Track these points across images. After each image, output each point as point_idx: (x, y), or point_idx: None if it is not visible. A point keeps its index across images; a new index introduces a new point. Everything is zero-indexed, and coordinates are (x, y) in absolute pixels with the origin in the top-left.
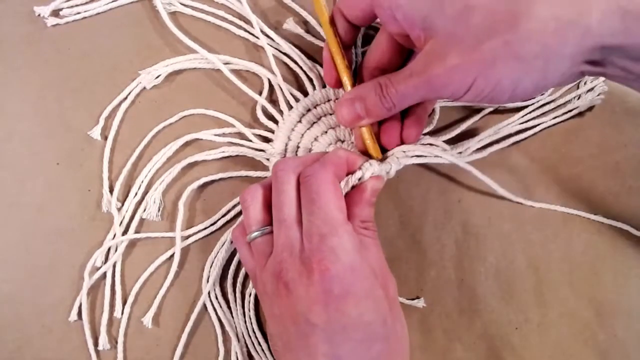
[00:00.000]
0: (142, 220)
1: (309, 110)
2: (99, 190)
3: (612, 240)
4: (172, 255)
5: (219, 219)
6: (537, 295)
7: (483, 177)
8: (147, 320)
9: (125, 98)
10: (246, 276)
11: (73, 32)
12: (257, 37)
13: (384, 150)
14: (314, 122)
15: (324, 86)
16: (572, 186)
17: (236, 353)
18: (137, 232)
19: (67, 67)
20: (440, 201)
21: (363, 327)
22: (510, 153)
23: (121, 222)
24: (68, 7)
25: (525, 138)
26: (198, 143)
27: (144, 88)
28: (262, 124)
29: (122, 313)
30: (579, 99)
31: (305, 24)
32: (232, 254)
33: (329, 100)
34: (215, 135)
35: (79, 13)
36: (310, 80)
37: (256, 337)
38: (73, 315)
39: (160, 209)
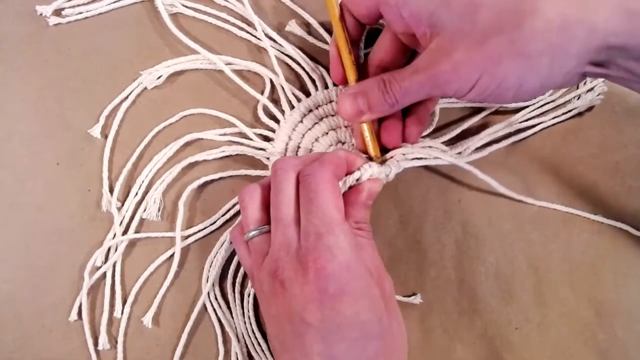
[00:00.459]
0: (142, 220)
1: (310, 110)
2: (99, 190)
3: (612, 240)
4: (172, 255)
5: (219, 219)
6: (537, 295)
7: (483, 176)
8: (147, 320)
9: (126, 98)
10: (245, 276)
11: (73, 32)
12: (259, 39)
13: (384, 150)
14: (316, 123)
15: (326, 87)
16: (572, 186)
17: (236, 353)
18: (137, 232)
19: (67, 67)
20: (440, 201)
21: (358, 326)
22: (510, 153)
23: (121, 222)
24: (70, 7)
25: (525, 138)
26: (198, 143)
27: (145, 88)
28: (263, 123)
29: (122, 313)
30: (578, 99)
31: (307, 26)
32: (232, 254)
33: (331, 102)
34: (216, 135)
35: (80, 13)
36: (313, 81)
37: (256, 338)
38: (73, 315)
39: (160, 208)
